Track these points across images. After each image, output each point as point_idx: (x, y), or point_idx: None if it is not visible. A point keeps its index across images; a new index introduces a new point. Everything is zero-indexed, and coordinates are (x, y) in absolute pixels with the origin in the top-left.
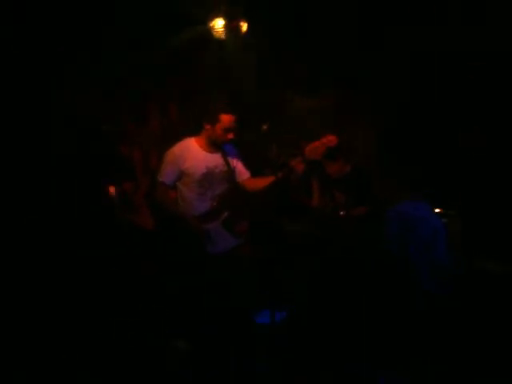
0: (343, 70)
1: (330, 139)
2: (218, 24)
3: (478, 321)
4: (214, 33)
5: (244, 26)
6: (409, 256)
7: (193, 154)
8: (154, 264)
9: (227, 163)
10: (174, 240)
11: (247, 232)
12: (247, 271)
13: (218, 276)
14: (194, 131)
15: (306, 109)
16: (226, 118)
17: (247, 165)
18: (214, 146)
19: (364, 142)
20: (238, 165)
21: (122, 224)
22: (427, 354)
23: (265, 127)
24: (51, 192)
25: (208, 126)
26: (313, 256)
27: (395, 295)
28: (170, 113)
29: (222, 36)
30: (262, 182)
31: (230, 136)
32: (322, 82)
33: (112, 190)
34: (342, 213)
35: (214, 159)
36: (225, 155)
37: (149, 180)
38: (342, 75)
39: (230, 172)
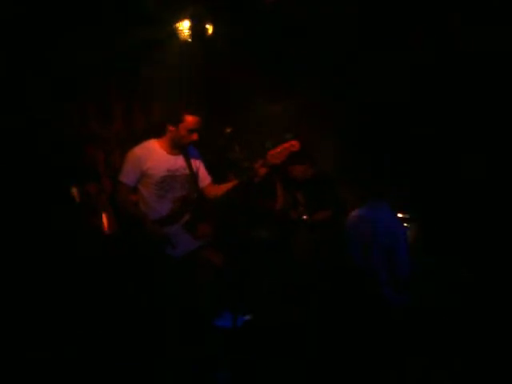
0: (307, 75)
1: (293, 144)
2: (184, 26)
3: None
4: (180, 34)
5: (210, 29)
6: (370, 259)
7: (154, 155)
8: (116, 267)
9: (189, 166)
10: (134, 242)
11: (209, 235)
12: (207, 274)
13: (178, 278)
14: (157, 133)
15: (270, 112)
16: (190, 119)
17: (210, 168)
18: (177, 148)
19: (327, 146)
20: (200, 169)
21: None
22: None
23: (228, 130)
24: (11, 194)
25: (172, 128)
26: (277, 260)
27: (356, 299)
28: (135, 114)
29: (188, 38)
30: (224, 188)
31: (194, 137)
32: (286, 87)
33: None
34: (304, 217)
35: (176, 162)
36: (187, 158)
37: (112, 181)
38: (305, 80)
39: (192, 175)
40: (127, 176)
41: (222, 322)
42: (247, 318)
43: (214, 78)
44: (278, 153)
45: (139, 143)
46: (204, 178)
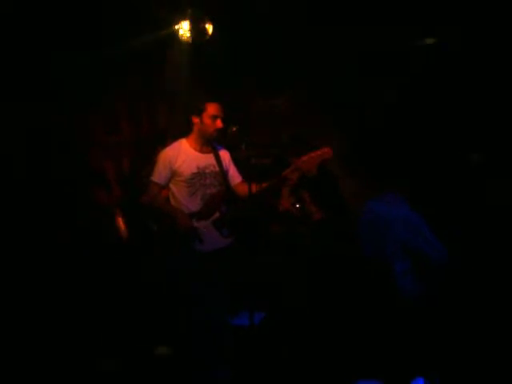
0: (305, 70)
1: (326, 151)
2: (184, 27)
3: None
4: (180, 35)
5: (210, 29)
6: (383, 250)
7: (185, 153)
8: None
9: (219, 164)
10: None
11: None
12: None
13: (203, 274)
14: (179, 135)
15: (270, 109)
16: (211, 106)
17: None
18: (206, 144)
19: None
20: (230, 167)
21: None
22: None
23: (234, 129)
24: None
25: (196, 119)
26: (295, 257)
27: (373, 296)
28: (141, 120)
29: (188, 38)
30: (253, 189)
31: (219, 124)
32: (285, 82)
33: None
34: (297, 205)
35: (206, 160)
36: (218, 156)
37: (121, 189)
38: (304, 75)
39: (222, 173)
40: (159, 176)
41: (239, 321)
42: (264, 315)
43: (216, 77)
44: (311, 159)
45: (169, 144)
46: (235, 176)
